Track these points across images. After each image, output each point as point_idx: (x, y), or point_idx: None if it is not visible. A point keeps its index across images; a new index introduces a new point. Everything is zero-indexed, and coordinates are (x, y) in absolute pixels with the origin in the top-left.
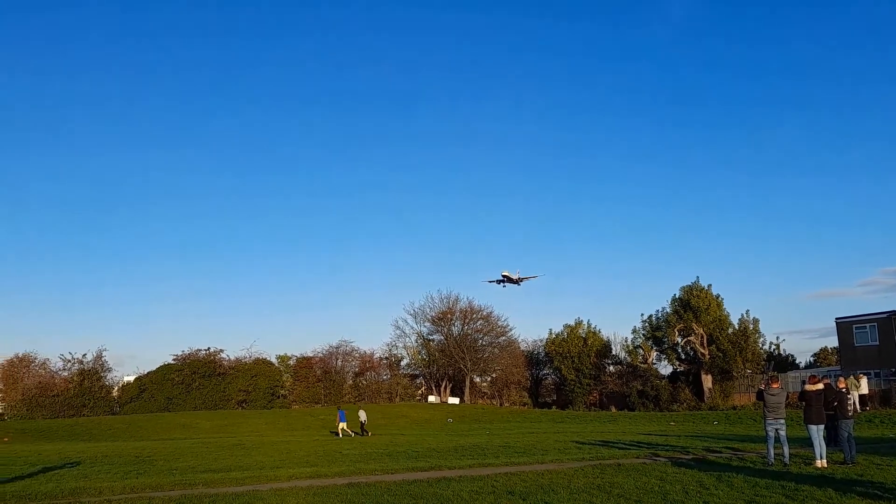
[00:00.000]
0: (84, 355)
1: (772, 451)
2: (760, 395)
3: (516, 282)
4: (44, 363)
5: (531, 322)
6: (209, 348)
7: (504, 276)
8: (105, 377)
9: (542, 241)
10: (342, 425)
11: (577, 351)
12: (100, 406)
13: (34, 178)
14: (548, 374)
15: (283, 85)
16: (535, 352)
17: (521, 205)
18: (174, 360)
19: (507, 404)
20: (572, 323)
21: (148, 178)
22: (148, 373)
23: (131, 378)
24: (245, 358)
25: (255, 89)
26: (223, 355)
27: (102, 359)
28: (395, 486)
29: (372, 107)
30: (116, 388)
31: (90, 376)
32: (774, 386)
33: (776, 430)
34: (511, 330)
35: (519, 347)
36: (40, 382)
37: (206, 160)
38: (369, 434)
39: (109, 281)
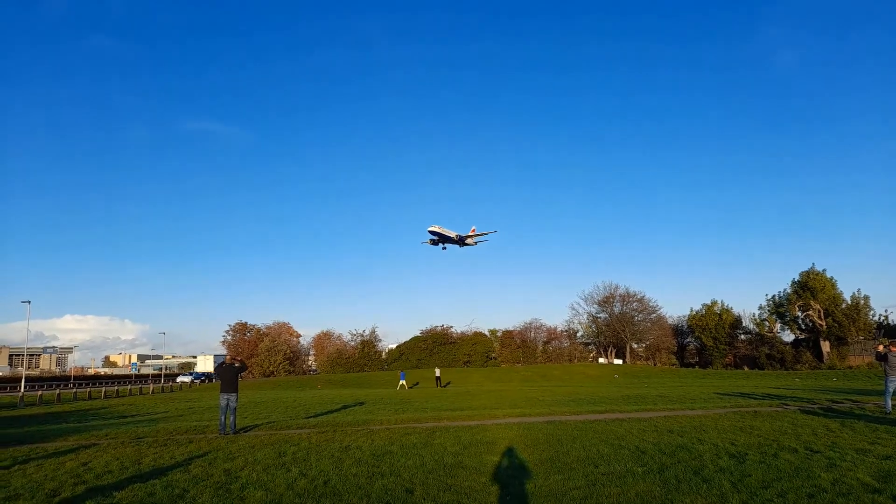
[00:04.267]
0: (363, 331)
1: (889, 403)
2: (880, 357)
3: (457, 241)
4: (339, 336)
5: (675, 299)
6: (443, 325)
7: (434, 232)
8: (377, 345)
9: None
10: (402, 382)
11: (714, 324)
12: (374, 364)
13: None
14: (690, 342)
15: None
16: (680, 325)
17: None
18: (420, 332)
19: (659, 364)
20: (708, 302)
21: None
22: (404, 342)
23: (394, 346)
24: (467, 331)
25: None
26: (452, 330)
27: (375, 333)
28: (581, 423)
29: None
30: (385, 353)
31: (368, 345)
32: (894, 349)
33: (895, 386)
34: (660, 308)
35: (667, 321)
36: (338, 349)
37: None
38: (443, 386)
39: (379, 276)
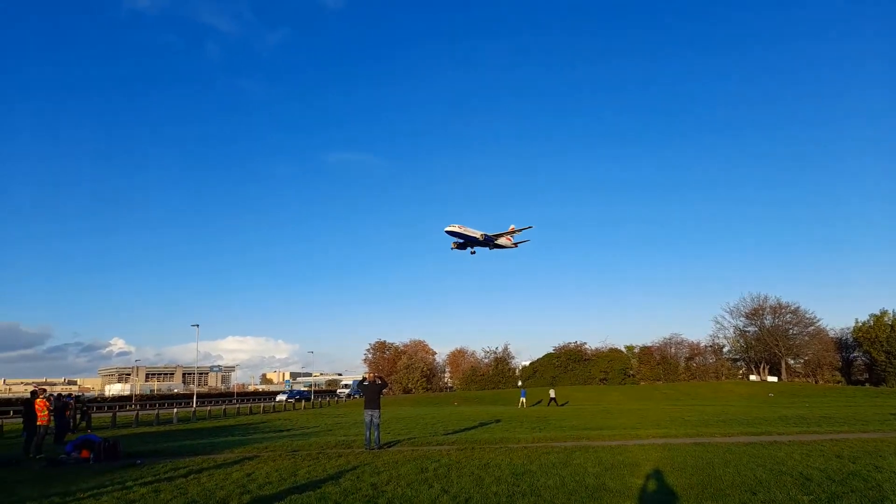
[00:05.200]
0: (496, 348)
1: None
2: None
3: (484, 243)
4: (473, 353)
5: (834, 309)
6: (576, 341)
7: (454, 233)
8: (510, 362)
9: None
10: (522, 400)
11: (886, 336)
12: (508, 381)
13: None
14: (857, 357)
15: None
16: (844, 338)
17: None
18: (553, 350)
19: (821, 382)
20: (877, 312)
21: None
22: (537, 359)
23: (527, 363)
24: (602, 347)
25: None
26: (586, 346)
27: (508, 350)
28: (733, 446)
29: None
30: (518, 370)
31: (501, 362)
32: None
33: None
34: (819, 320)
35: (827, 335)
36: (472, 366)
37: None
38: (558, 405)
39: (511, 293)
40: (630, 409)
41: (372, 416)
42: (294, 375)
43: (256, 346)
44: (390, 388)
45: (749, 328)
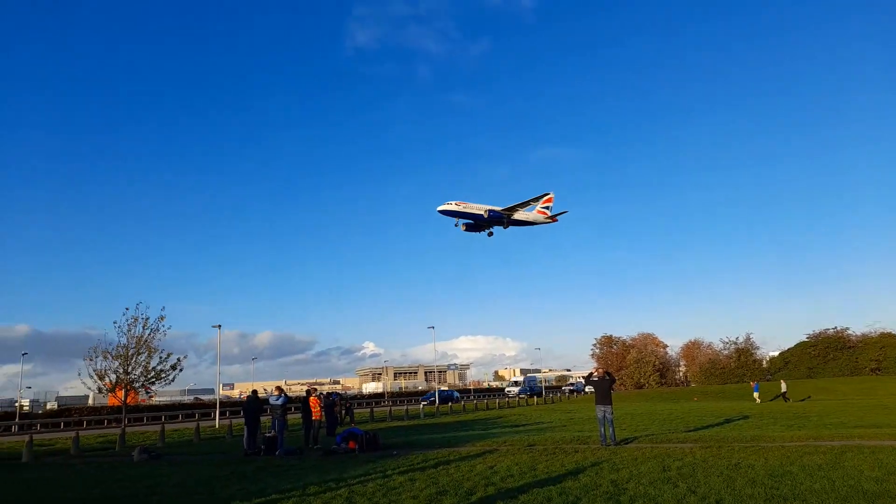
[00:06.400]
0: (737, 338)
1: None
2: None
3: (496, 220)
4: (710, 344)
5: None
6: (836, 327)
7: (450, 212)
8: (754, 353)
9: None
10: (756, 395)
11: None
12: (754, 374)
13: None
14: None
15: None
16: None
17: None
18: (807, 338)
19: None
20: None
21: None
22: (788, 349)
23: (775, 353)
24: (870, 333)
25: None
26: (849, 332)
27: (751, 339)
28: None
29: None
30: (766, 361)
31: (744, 353)
32: None
33: None
34: None
35: None
36: (710, 358)
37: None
38: (790, 401)
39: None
40: None
41: (604, 411)
42: (524, 372)
43: (486, 344)
44: (621, 383)
45: None
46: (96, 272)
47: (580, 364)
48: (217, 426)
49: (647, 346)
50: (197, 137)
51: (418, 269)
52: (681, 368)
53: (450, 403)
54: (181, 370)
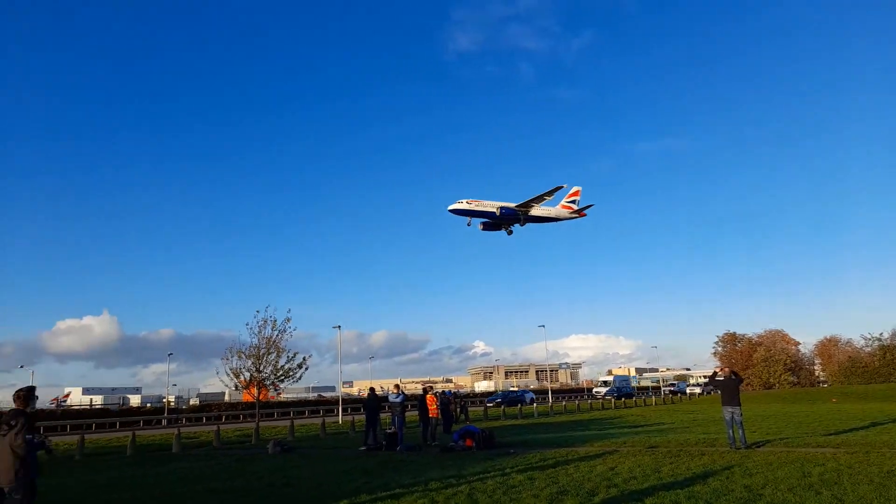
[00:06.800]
0: (881, 333)
1: None
2: None
3: (510, 218)
4: (849, 341)
5: None
6: None
7: (460, 211)
8: None
9: None
10: None
11: None
12: None
13: None
14: None
15: None
16: None
17: None
18: None
19: None
20: None
21: None
22: None
23: None
24: None
25: None
26: None
27: None
28: None
29: None
30: None
31: (890, 350)
32: None
33: None
34: None
35: None
36: (849, 356)
37: None
38: None
39: None
40: None
41: (732, 413)
42: (639, 371)
43: (598, 343)
44: (748, 383)
45: None
46: (233, 279)
47: (701, 363)
48: (340, 422)
49: (775, 344)
50: (317, 145)
51: (530, 266)
52: (816, 367)
53: (519, 406)
54: (307, 369)
